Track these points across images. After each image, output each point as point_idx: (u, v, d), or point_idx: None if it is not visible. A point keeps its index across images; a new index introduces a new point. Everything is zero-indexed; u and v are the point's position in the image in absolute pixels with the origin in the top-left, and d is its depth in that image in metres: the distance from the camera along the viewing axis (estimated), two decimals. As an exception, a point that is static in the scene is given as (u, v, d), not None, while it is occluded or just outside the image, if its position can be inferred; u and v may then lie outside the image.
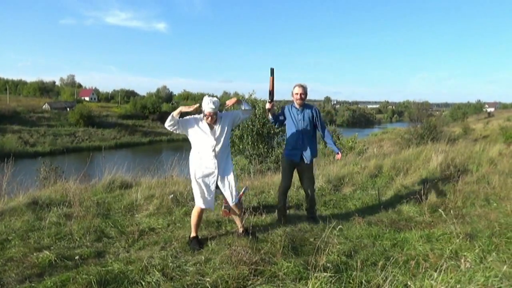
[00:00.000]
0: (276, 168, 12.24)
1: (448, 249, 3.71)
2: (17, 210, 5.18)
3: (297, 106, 4.91)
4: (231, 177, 4.18)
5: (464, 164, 8.23)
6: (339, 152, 5.12)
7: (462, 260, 2.93)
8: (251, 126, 15.69)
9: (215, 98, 4.07)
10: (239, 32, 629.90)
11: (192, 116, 4.16)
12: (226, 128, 4.14)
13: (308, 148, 4.91)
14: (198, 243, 4.11)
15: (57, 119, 64.04)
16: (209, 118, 4.01)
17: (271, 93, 4.58)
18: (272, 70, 4.51)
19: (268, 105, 4.65)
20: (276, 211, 5.12)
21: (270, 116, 4.83)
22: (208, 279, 3.22)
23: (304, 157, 4.91)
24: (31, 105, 69.45)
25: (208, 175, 4.09)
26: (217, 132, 4.09)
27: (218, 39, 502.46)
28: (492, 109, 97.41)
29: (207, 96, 4.08)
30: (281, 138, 16.82)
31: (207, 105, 3.97)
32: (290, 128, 4.94)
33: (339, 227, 3.85)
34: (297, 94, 4.83)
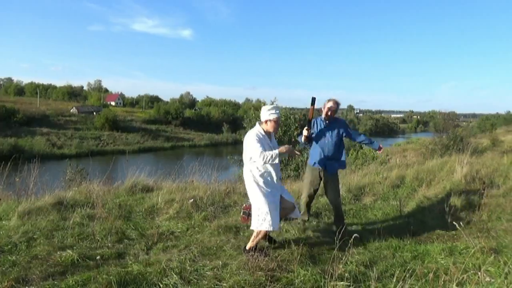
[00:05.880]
0: (296, 176, 12.21)
1: (471, 263, 3.61)
2: (43, 210, 5.35)
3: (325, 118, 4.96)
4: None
5: (490, 176, 7.99)
6: (379, 148, 5.10)
7: (484, 275, 2.84)
8: (272, 133, 15.72)
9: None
10: (264, 38, 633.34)
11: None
12: None
13: (334, 159, 4.95)
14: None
15: (83, 122, 65.82)
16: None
17: (310, 121, 4.75)
18: (313, 100, 4.67)
19: (305, 132, 4.76)
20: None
21: (302, 140, 4.88)
22: (225, 284, 3.25)
23: (328, 168, 4.93)
24: (59, 108, 71.77)
25: None
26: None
27: (242, 46, 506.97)
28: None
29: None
30: (302, 145, 16.80)
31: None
32: (317, 140, 4.97)
33: (354, 235, 3.79)
34: (328, 108, 4.90)
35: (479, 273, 2.98)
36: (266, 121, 3.99)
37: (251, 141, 3.90)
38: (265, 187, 3.91)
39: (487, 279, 2.80)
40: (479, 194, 6.58)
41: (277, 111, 4.00)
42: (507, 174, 8.27)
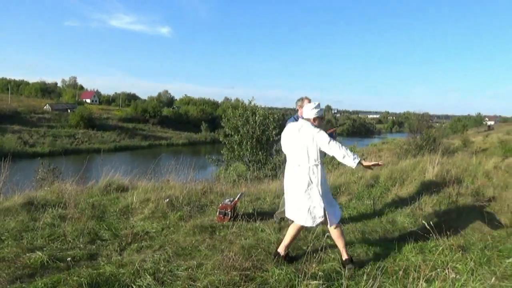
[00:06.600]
0: (273, 175, 12.26)
1: (440, 261, 3.73)
2: (12, 210, 5.19)
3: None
4: None
5: (459, 176, 8.24)
6: None
7: (451, 271, 2.94)
8: (251, 133, 15.73)
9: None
10: (243, 38, 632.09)
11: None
12: None
13: None
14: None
15: (57, 120, 64.12)
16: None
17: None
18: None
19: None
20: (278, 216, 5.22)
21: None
22: (199, 284, 3.23)
23: None
24: (32, 105, 69.63)
25: None
26: None
27: (221, 45, 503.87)
28: (492, 123, 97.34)
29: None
30: (280, 145, 16.85)
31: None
32: None
33: (327, 234, 3.85)
34: None
35: (446, 270, 3.07)
36: (314, 119, 3.88)
37: (321, 135, 3.69)
38: (323, 187, 3.79)
39: (453, 275, 2.90)
40: (449, 194, 6.79)
41: (321, 108, 3.96)
42: (475, 174, 8.56)
